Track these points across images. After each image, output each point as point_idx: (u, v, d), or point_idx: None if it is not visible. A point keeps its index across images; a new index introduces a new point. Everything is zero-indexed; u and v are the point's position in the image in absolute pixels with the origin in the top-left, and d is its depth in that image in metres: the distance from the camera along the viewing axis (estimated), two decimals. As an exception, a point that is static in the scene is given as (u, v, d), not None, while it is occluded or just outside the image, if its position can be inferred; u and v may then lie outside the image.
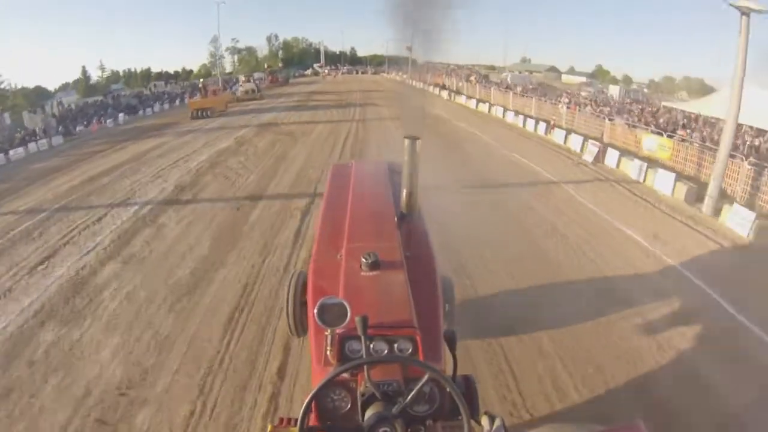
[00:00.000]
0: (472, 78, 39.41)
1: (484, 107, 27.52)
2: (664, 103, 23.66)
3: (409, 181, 3.64)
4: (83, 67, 46.07)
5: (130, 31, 58.65)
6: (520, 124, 21.67)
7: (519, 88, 30.70)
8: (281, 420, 2.36)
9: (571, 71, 46.44)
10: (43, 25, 48.10)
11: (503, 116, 24.19)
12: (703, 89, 34.65)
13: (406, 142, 3.53)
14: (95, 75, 47.45)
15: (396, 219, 3.53)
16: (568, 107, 21.99)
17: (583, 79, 44.29)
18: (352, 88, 40.97)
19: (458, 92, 34.35)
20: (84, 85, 45.67)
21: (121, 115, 30.66)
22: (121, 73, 49.55)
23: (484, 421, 1.87)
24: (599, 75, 45.21)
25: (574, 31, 58.03)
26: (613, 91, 36.83)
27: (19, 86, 37.22)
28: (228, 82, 44.38)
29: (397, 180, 4.04)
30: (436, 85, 37.19)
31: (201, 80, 36.68)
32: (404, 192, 3.71)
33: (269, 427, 2.15)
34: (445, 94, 34.55)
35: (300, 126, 21.64)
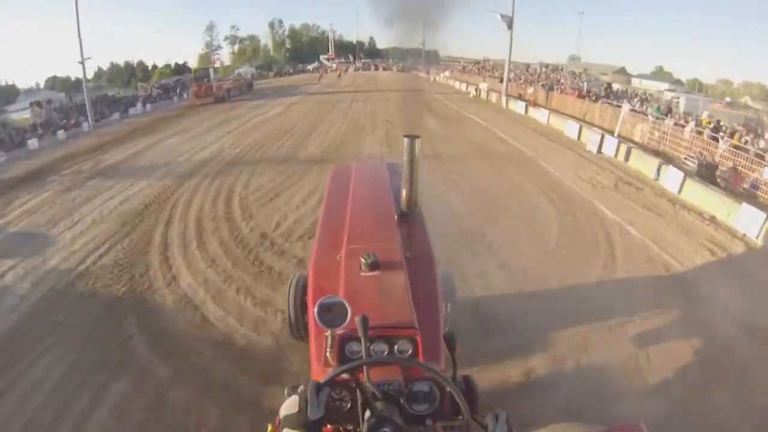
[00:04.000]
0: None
1: None
2: None
3: (409, 180, 3.62)
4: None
5: (131, 20, 48.19)
6: None
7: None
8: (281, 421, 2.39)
9: (622, 71, 37.92)
10: None
11: None
12: (766, 95, 29.59)
13: (406, 141, 3.50)
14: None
15: (396, 219, 3.52)
16: None
17: (666, 84, 34.06)
18: (360, 117, 18.84)
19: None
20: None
21: None
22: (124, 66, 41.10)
23: (489, 419, 1.90)
24: (659, 76, 36.94)
25: (629, 28, 45.65)
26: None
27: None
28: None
29: (397, 180, 4.01)
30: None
31: None
32: (404, 192, 3.69)
33: (269, 428, 2.18)
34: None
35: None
